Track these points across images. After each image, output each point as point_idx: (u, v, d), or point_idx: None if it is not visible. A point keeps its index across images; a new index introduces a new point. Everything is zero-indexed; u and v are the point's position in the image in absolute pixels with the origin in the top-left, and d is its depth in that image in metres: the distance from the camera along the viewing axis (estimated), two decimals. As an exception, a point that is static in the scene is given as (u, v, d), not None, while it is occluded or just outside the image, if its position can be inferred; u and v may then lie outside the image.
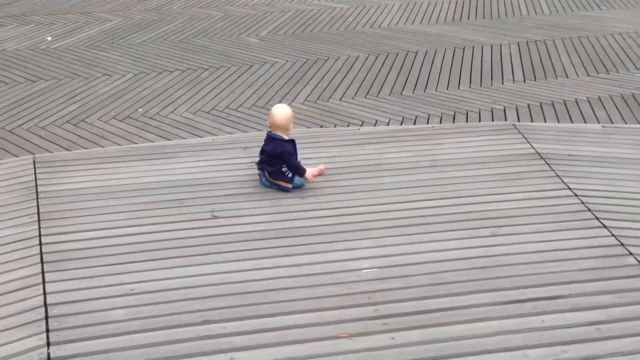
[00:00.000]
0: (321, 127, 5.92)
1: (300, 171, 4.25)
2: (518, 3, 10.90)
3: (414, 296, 3.15)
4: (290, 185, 4.27)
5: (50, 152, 5.20)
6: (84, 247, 3.58)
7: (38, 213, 3.94)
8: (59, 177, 4.42)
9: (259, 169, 4.37)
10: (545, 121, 6.11)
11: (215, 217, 3.96)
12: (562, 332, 2.90)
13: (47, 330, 2.89)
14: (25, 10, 10.21)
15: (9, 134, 5.66)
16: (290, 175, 4.25)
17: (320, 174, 4.48)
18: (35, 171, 4.49)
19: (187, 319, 2.95)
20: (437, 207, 4.10)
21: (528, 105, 6.51)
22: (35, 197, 4.13)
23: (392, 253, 3.55)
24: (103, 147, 5.31)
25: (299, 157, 4.45)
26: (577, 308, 3.08)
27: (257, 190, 4.29)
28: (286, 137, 4.24)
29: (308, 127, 5.84)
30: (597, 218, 3.94)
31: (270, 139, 4.27)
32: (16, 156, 5.07)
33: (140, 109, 6.24)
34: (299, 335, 2.88)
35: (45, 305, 3.07)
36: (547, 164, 4.71)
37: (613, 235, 3.74)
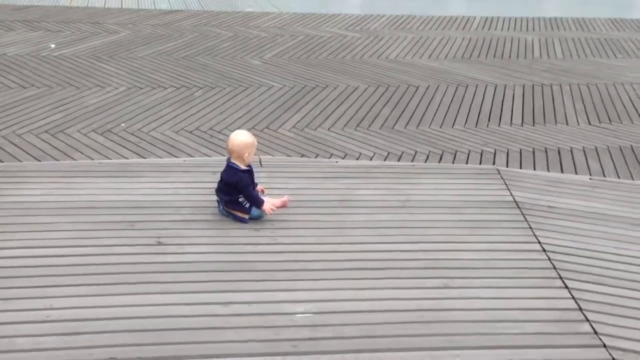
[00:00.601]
0: (302, 156, 5.78)
1: (257, 202, 4.10)
2: (532, 45, 10.76)
3: (337, 348, 2.96)
4: (247, 216, 4.12)
5: (20, 161, 5.13)
6: (13, 265, 3.45)
7: (-21, 226, 3.84)
8: (14, 188, 4.33)
9: (217, 197, 4.23)
10: (534, 168, 5.89)
11: (160, 244, 3.82)
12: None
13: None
14: (38, 17, 10.32)
15: (-14, 141, 5.63)
16: (247, 205, 4.10)
17: (282, 206, 4.32)
18: (-7, 180, 4.41)
19: (92, 354, 2.80)
20: (394, 251, 3.90)
21: (520, 150, 6.30)
22: (-18, 207, 4.04)
23: (331, 298, 3.36)
24: (74, 160, 5.23)
25: (260, 185, 4.31)
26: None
27: (213, 218, 4.15)
28: (242, 167, 4.09)
29: (288, 155, 5.71)
30: (560, 277, 3.71)
31: (227, 166, 4.13)
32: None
33: (122, 124, 6.17)
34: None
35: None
36: (522, 214, 4.50)
37: (573, 297, 3.51)
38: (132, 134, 5.98)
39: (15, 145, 5.51)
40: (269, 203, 4.19)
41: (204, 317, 3.15)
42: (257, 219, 4.15)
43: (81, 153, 5.45)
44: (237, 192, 4.09)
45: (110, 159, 5.30)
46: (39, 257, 3.57)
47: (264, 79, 7.90)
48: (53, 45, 8.64)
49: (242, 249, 3.82)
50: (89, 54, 8.37)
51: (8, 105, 6.41)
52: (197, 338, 3.00)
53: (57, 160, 5.23)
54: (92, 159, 5.27)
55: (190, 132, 6.15)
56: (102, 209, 4.15)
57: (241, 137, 4.11)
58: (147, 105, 6.72)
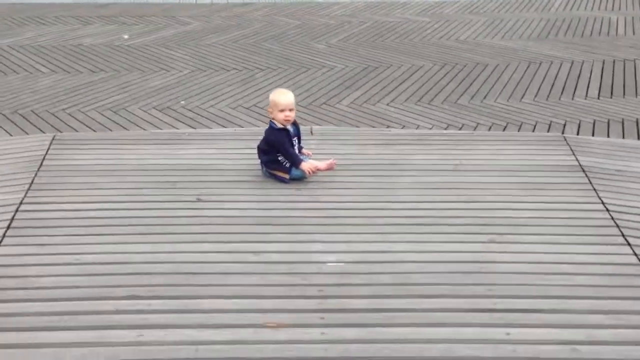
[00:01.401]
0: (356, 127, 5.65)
1: (294, 160, 3.98)
2: (617, 24, 10.14)
3: (368, 294, 2.81)
4: (287, 176, 4.02)
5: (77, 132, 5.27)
6: (55, 216, 3.53)
7: (31, 184, 3.93)
8: (68, 154, 4.43)
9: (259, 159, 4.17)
10: (608, 137, 5.49)
11: (199, 201, 3.79)
12: (526, 347, 2.46)
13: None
14: (116, 13, 10.68)
15: (50, 115, 5.82)
16: (287, 165, 4.01)
17: (328, 169, 4.20)
18: (49, 148, 4.53)
19: (111, 292, 2.78)
20: (441, 209, 3.71)
21: (594, 121, 5.90)
22: (36, 170, 4.14)
23: (366, 250, 3.22)
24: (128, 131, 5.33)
25: (307, 150, 4.22)
26: (554, 325, 2.61)
27: (255, 179, 4.09)
28: (278, 125, 4.01)
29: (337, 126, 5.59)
30: (622, 235, 3.41)
31: (268, 125, 4.08)
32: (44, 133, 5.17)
33: (182, 102, 6.24)
34: (223, 320, 2.62)
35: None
36: (586, 177, 4.18)
37: (635, 253, 3.20)
38: (190, 110, 6.04)
39: (78, 121, 5.68)
40: (311, 164, 4.08)
41: (234, 263, 3.09)
42: (299, 179, 4.04)
43: (138, 127, 5.54)
44: (275, 151, 4.01)
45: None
46: (81, 210, 3.62)
47: (327, 60, 7.81)
48: (126, 36, 8.91)
49: (280, 206, 3.74)
50: (159, 43, 8.57)
51: (76, 88, 6.63)
52: (223, 281, 2.95)
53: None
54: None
55: (247, 108, 6.15)
56: (147, 172, 4.18)
57: (272, 93, 4.08)
58: (207, 85, 6.78)
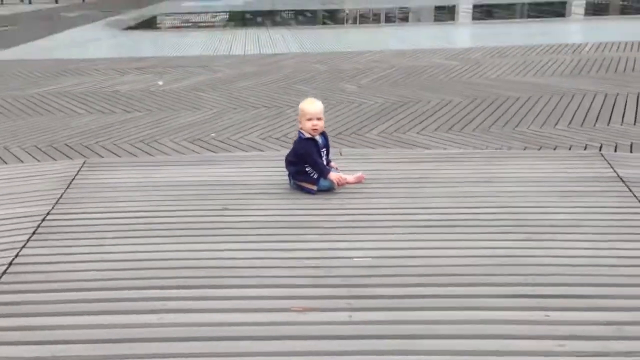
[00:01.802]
0: (387, 153, 5.58)
1: (321, 170, 3.93)
2: (651, 60, 10.04)
3: (396, 283, 2.68)
4: (315, 188, 3.96)
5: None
6: (83, 224, 3.53)
7: (59, 198, 3.95)
8: (98, 174, 4.46)
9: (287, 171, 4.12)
10: (647, 158, 5.32)
11: (225, 209, 3.73)
12: (566, 327, 2.29)
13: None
14: (151, 64, 11.01)
15: (83, 147, 5.90)
16: (314, 176, 3.95)
17: (357, 182, 4.12)
18: (79, 169, 4.57)
19: (134, 283, 2.73)
20: (471, 213, 3.58)
21: (631, 143, 5.73)
22: (65, 187, 4.17)
23: (394, 247, 3.11)
24: (159, 158, 5.36)
25: (334, 163, 4.16)
26: (598, 307, 2.44)
27: (282, 191, 4.03)
28: (306, 135, 3.98)
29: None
30: (668, 234, 3.23)
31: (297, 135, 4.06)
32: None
33: (212, 134, 6.29)
34: (247, 305, 2.53)
35: (10, 264, 2.99)
36: (626, 186, 4.02)
37: (682, 249, 3.02)
38: (220, 141, 6.07)
39: (110, 151, 5.75)
40: (339, 175, 4.02)
41: (259, 259, 3.00)
42: (327, 190, 3.98)
43: (169, 156, 5.58)
44: (303, 162, 3.96)
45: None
46: (108, 218, 3.60)
47: (356, 97, 7.86)
48: (161, 82, 9.13)
49: (306, 212, 3.66)
50: (191, 87, 8.75)
51: (109, 124, 6.76)
52: (247, 273, 2.86)
53: (145, 160, 5.39)
54: (178, 159, 5.38)
55: (277, 138, 6.16)
56: (174, 186, 4.16)
57: (300, 104, 4.06)
58: (237, 120, 6.84)
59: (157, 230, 3.41)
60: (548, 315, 2.38)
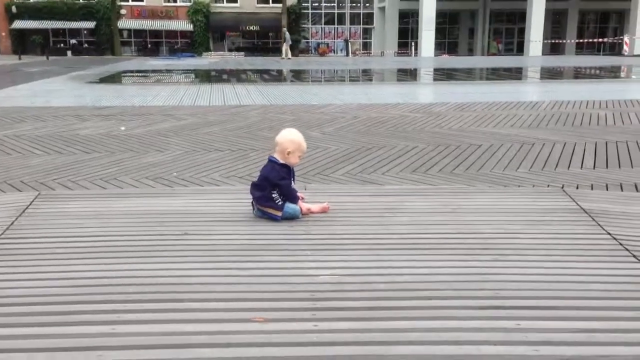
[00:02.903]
0: (353, 192, 5.53)
1: (292, 196, 3.86)
2: (605, 117, 10.34)
3: (365, 296, 2.58)
4: (279, 214, 3.87)
5: (67, 194, 5.14)
6: (30, 247, 3.35)
7: (11, 225, 3.77)
8: (53, 204, 4.30)
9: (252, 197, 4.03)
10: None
11: (185, 234, 3.60)
12: (539, 335, 2.21)
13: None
14: (115, 112, 10.92)
15: (39, 184, 5.70)
16: (279, 202, 3.87)
17: (321, 212, 4.06)
18: (33, 200, 4.40)
19: (86, 298, 2.56)
20: (437, 238, 3.52)
21: (591, 185, 5.81)
22: (18, 214, 3.99)
23: (360, 266, 3.01)
24: (121, 194, 5.20)
25: (301, 193, 4.09)
26: (569, 317, 2.37)
27: (245, 218, 3.93)
28: (281, 161, 3.92)
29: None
30: (634, 256, 3.21)
31: (268, 160, 3.98)
32: (31, 193, 5.04)
33: (174, 173, 6.17)
34: (205, 317, 2.39)
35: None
36: (590, 216, 4.03)
37: (648, 268, 3.00)
38: (183, 179, 5.95)
39: (67, 187, 5.57)
40: (304, 205, 3.95)
41: (219, 277, 2.88)
42: (292, 218, 3.89)
43: (127, 188, 5.43)
44: (270, 187, 3.88)
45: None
46: (59, 242, 3.44)
47: (321, 143, 7.86)
48: (123, 128, 9.01)
49: (271, 236, 3.55)
50: (156, 133, 8.66)
51: (68, 164, 6.58)
52: (207, 289, 2.73)
53: (104, 195, 5.22)
54: (139, 194, 5.24)
55: (240, 177, 6.07)
56: (134, 215, 4.02)
57: (289, 132, 4.00)
58: (201, 161, 6.75)
59: (113, 252, 3.26)
60: (519, 324, 2.31)
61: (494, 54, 50.76)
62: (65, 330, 2.30)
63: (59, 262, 3.09)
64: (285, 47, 40.47)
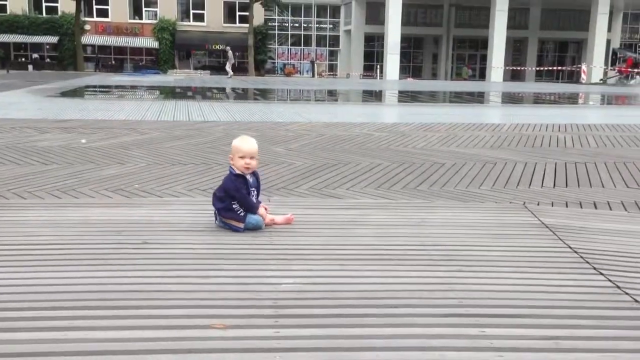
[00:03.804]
0: (317, 206, 5.49)
1: (249, 206, 3.80)
2: (565, 140, 10.56)
3: (328, 304, 2.54)
4: (242, 225, 3.81)
5: (23, 204, 4.99)
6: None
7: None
8: (6, 213, 4.17)
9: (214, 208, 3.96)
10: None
11: (145, 243, 3.51)
12: (504, 342, 2.19)
13: None
14: (75, 125, 10.71)
15: (-6, 192, 5.54)
16: (241, 213, 3.81)
17: (286, 223, 4.01)
18: (-12, 207, 4.26)
19: (36, 304, 2.45)
20: (401, 250, 3.50)
21: (552, 202, 5.88)
22: (-30, 221, 3.86)
23: (324, 275, 2.97)
24: (79, 205, 5.06)
25: (264, 204, 4.04)
26: (534, 325, 2.36)
27: (207, 229, 3.86)
28: (235, 171, 3.87)
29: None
30: (594, 268, 3.24)
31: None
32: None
33: (136, 185, 6.05)
34: (163, 323, 2.30)
35: None
36: (551, 231, 4.07)
37: (609, 279, 3.02)
38: (144, 191, 5.84)
39: (21, 197, 5.40)
40: (267, 216, 3.90)
41: (177, 284, 2.79)
42: (255, 229, 3.83)
43: (83, 198, 5.29)
44: (230, 199, 3.82)
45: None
46: (12, 250, 3.31)
47: (286, 159, 7.82)
48: (84, 141, 8.84)
49: (233, 246, 3.48)
50: (116, 146, 8.51)
51: (25, 174, 6.40)
52: (165, 296, 2.64)
53: (62, 205, 5.08)
54: (98, 205, 5.11)
55: (204, 190, 5.98)
56: (91, 224, 3.91)
57: (233, 140, 3.96)
58: (164, 174, 6.63)
59: (68, 260, 3.16)
60: (484, 331, 2.29)
61: (465, 79, 51.29)
62: (14, 336, 2.19)
63: (9, 270, 2.96)
64: (228, 65, 40.44)
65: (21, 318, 2.38)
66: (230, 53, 40.90)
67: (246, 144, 3.92)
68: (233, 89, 25.41)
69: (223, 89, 25.27)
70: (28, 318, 2.38)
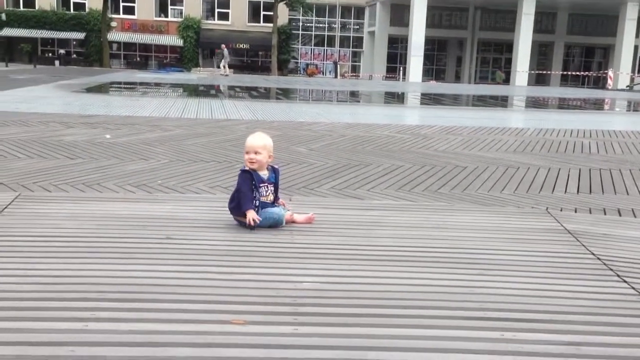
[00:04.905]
0: (337, 206, 5.50)
1: (244, 201, 3.73)
2: (589, 145, 10.45)
3: (348, 303, 2.54)
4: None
5: (48, 197, 5.06)
6: (11, 245, 3.27)
7: (-12, 222, 3.69)
8: (33, 205, 4.23)
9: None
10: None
11: (168, 238, 3.54)
12: (524, 346, 2.18)
13: None
14: (101, 121, 10.84)
15: (20, 186, 5.61)
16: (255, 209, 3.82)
17: (306, 222, 4.02)
18: (13, 200, 4.32)
19: (59, 295, 2.49)
20: (421, 252, 3.49)
21: (575, 209, 5.82)
22: (-4, 213, 3.92)
23: (344, 275, 2.97)
24: (103, 199, 5.13)
25: (282, 199, 4.05)
26: (555, 330, 2.34)
27: (228, 225, 3.87)
28: (245, 167, 3.90)
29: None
30: (617, 275, 3.20)
31: (244, 168, 3.97)
32: (10, 194, 4.95)
33: (159, 181, 6.11)
34: (183, 317, 2.33)
35: None
36: (574, 236, 4.03)
37: (632, 287, 2.99)
38: (166, 187, 5.89)
39: (49, 191, 5.48)
40: (289, 214, 3.91)
41: (199, 279, 2.81)
42: (274, 225, 3.84)
43: (109, 192, 5.35)
44: (237, 193, 3.85)
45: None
46: (36, 241, 3.36)
47: (307, 159, 7.83)
48: (108, 136, 8.94)
49: (254, 244, 3.50)
50: (140, 142, 8.59)
51: (51, 168, 6.50)
52: (186, 290, 2.66)
53: (86, 199, 5.14)
54: (121, 200, 5.16)
55: (225, 187, 6.02)
56: (114, 218, 3.95)
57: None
58: (186, 171, 6.69)
59: (90, 252, 3.19)
60: (504, 335, 2.27)
61: (499, 83, 50.30)
62: (36, 325, 2.23)
63: (33, 260, 3.01)
64: (223, 64, 40.30)
65: (44, 308, 2.42)
66: (225, 51, 40.72)
67: (249, 139, 3.95)
68: (256, 88, 25.51)
69: (246, 88, 25.38)
70: (51, 308, 2.41)
